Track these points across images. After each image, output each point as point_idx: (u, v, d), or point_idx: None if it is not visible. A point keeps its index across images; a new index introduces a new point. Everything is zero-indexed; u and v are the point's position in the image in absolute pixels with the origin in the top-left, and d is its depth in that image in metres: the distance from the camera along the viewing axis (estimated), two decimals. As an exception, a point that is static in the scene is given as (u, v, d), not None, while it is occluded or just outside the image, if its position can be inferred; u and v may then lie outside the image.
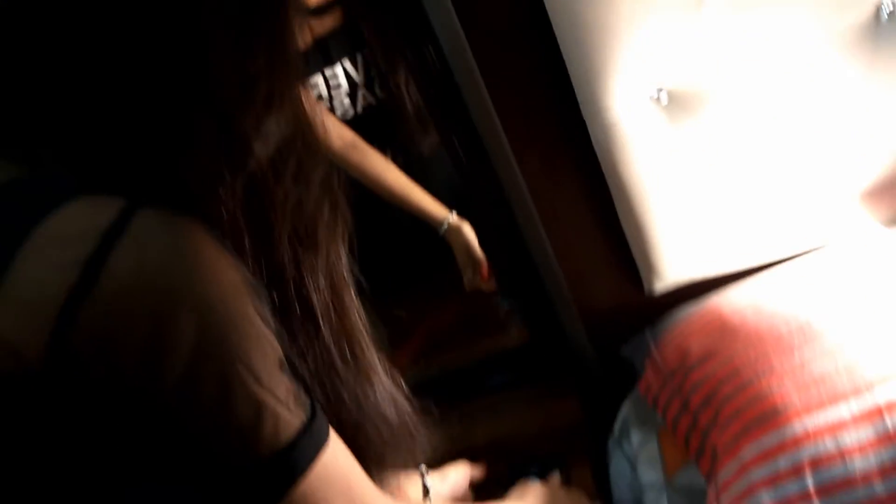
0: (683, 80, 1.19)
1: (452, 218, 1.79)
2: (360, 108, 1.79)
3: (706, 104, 1.21)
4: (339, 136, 1.71)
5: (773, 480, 1.03)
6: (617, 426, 1.33)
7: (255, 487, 0.57)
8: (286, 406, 0.58)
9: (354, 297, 0.72)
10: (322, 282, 0.67)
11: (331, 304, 0.68)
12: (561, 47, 1.17)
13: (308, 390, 0.63)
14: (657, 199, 1.27)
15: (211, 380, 0.54)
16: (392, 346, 1.66)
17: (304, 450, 0.59)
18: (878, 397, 1.03)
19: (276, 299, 0.63)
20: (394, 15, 1.24)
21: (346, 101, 1.78)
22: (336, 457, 0.63)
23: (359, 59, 1.75)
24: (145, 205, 0.54)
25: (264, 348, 0.57)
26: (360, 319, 0.72)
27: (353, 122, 1.79)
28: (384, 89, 1.76)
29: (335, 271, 0.68)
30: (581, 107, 1.21)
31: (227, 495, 0.57)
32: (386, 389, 0.76)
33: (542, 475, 1.28)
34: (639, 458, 1.25)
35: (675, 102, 1.20)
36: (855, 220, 1.30)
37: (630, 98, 1.19)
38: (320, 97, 1.77)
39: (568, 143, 1.27)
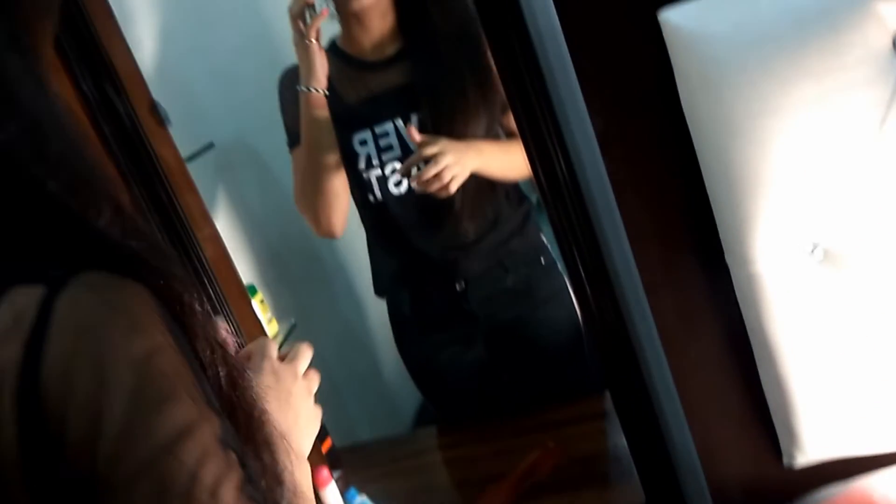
0: (843, 237, 1.09)
1: None
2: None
3: (867, 263, 1.10)
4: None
5: None
6: None
7: None
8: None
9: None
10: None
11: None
12: (708, 191, 1.11)
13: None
14: (805, 361, 1.15)
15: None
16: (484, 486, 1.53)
17: None
18: None
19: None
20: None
21: (399, 168, 1.68)
22: None
23: (413, 121, 1.65)
24: (61, 286, 0.54)
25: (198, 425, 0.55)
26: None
27: (404, 199, 1.70)
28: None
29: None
30: (726, 255, 1.13)
31: None
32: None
33: None
34: None
35: (831, 259, 1.10)
36: None
37: (781, 251, 1.10)
38: (368, 157, 1.69)
39: (707, 290, 1.18)
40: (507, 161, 1.64)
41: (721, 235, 1.12)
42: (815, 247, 1.10)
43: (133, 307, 0.55)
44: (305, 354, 0.89)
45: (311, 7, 1.56)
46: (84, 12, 1.27)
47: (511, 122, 1.62)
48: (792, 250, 1.10)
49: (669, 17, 1.07)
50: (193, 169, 1.49)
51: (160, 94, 1.37)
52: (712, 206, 1.11)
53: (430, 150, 1.52)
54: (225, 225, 1.99)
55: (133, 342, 0.54)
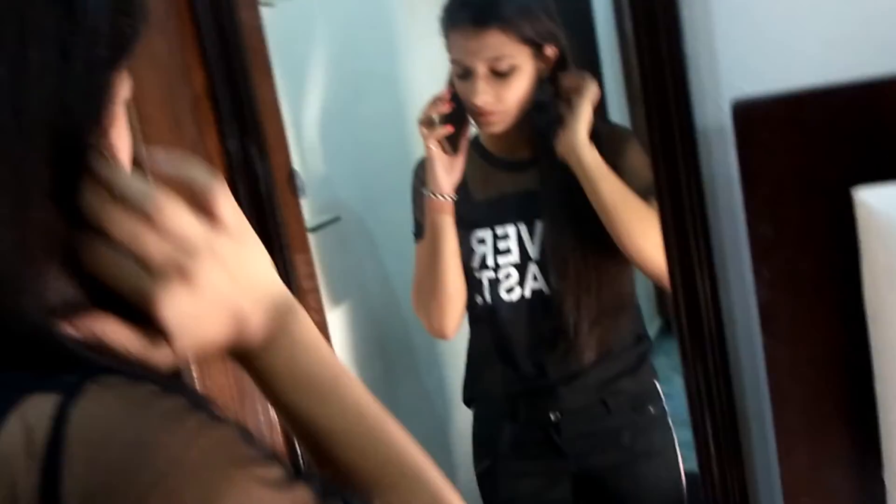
0: None
1: None
2: (528, 291, 1.61)
3: None
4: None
5: None
6: None
7: None
8: None
9: None
10: None
11: None
12: (878, 394, 0.98)
13: None
14: None
15: None
16: None
17: None
18: None
19: None
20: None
21: (513, 274, 1.62)
22: None
23: (538, 228, 1.60)
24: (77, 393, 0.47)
25: None
26: None
27: (515, 308, 1.62)
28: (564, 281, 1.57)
29: None
30: (885, 471, 0.99)
31: None
32: None
33: None
34: None
35: None
36: None
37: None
38: (483, 257, 1.63)
39: (851, 457, 1.04)
40: (614, 188, 1.51)
41: (883, 448, 0.99)
42: None
43: (159, 400, 0.48)
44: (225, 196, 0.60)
45: (441, 116, 1.57)
46: (246, 67, 1.25)
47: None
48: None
49: (866, 197, 0.96)
50: (316, 238, 1.45)
51: (297, 159, 1.34)
52: (879, 412, 0.98)
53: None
54: (328, 297, 1.96)
55: (171, 432, 0.47)
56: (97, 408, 0.47)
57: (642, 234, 1.46)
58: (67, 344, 0.51)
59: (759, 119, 1.01)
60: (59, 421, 0.46)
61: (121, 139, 0.57)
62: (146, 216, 0.54)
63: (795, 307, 1.03)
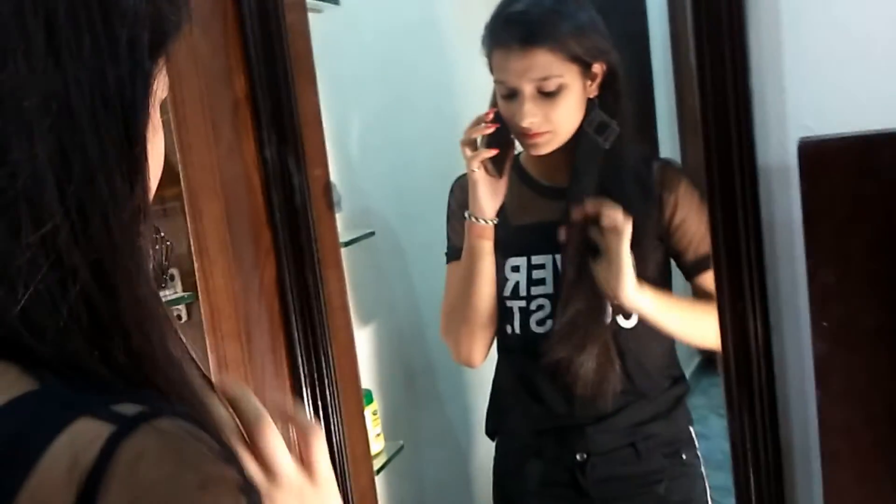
0: None
1: None
2: (559, 323, 1.53)
3: None
4: None
5: None
6: None
7: None
8: None
9: None
10: None
11: None
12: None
13: None
14: None
15: None
16: None
17: None
18: None
19: None
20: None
21: (546, 305, 1.56)
22: None
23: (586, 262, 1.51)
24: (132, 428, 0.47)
25: None
26: None
27: (545, 339, 1.54)
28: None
29: None
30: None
31: None
32: None
33: None
34: None
35: None
36: None
37: None
38: (517, 285, 1.56)
39: None
40: (668, 314, 1.50)
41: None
42: None
43: (208, 466, 0.48)
44: (321, 447, 0.65)
45: (484, 138, 1.52)
46: (289, 74, 1.21)
47: (703, 283, 1.51)
48: None
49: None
50: (347, 253, 1.41)
51: (335, 171, 1.30)
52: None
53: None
54: (356, 315, 1.91)
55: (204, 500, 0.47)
56: (146, 452, 0.47)
57: (711, 339, 1.42)
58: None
59: (828, 160, 0.96)
60: (107, 454, 0.46)
61: (154, 140, 0.54)
62: (251, 433, 0.59)
63: (853, 363, 0.98)
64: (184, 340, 0.55)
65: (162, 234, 1.16)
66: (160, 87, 0.54)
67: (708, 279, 1.51)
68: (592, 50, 1.47)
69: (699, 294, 1.53)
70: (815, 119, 1.01)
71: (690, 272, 1.54)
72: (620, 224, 1.41)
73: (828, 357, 0.98)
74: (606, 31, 1.51)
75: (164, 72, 0.54)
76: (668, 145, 3.41)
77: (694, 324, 1.48)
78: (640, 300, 1.44)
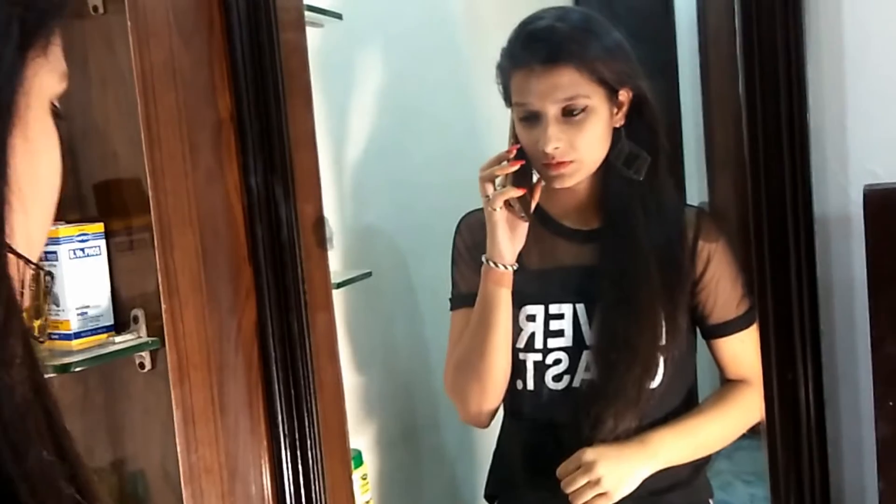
0: None
1: None
2: (578, 380, 1.43)
3: None
4: None
5: None
6: None
7: None
8: None
9: None
10: None
11: None
12: None
13: None
14: None
15: None
16: None
17: None
18: None
19: None
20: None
21: (564, 359, 1.44)
22: None
23: (598, 310, 1.44)
24: None
25: None
26: None
27: (562, 397, 1.44)
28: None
29: None
30: None
31: None
32: None
33: None
34: None
35: None
36: None
37: None
38: (531, 336, 1.45)
39: None
40: (693, 448, 1.44)
41: None
42: None
43: None
44: None
45: (509, 176, 1.40)
46: (279, 93, 1.10)
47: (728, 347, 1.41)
48: None
49: None
50: (340, 295, 1.30)
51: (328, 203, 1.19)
52: None
53: (586, 456, 1.38)
54: (352, 362, 1.79)
55: None
56: None
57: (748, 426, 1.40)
58: None
59: (899, 211, 0.84)
60: None
61: (35, 150, 0.40)
62: None
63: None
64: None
65: (44, 268, 0.95)
66: (45, 82, 0.41)
67: (735, 344, 1.42)
68: (620, 74, 1.37)
69: (719, 358, 1.45)
70: (882, 164, 0.92)
71: (713, 333, 1.44)
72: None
73: (893, 442, 0.86)
74: (634, 57, 1.41)
75: (52, 62, 0.42)
76: (695, 185, 3.28)
77: (727, 427, 1.44)
78: (663, 458, 1.40)
